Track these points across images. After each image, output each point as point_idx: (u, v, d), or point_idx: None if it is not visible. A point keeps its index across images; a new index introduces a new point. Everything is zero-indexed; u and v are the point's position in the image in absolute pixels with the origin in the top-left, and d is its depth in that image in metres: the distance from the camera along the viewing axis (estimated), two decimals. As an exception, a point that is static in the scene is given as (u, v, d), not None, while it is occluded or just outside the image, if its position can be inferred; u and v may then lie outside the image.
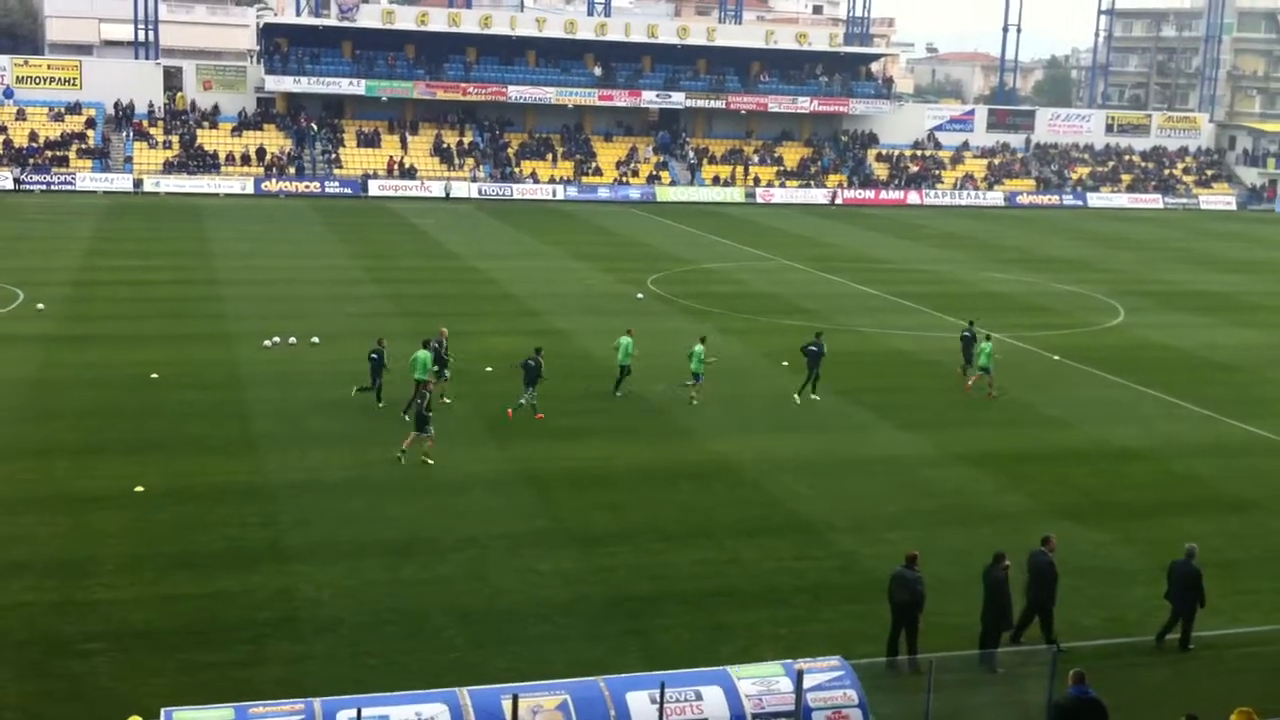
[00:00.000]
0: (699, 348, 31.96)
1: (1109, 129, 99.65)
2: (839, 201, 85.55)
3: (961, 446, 28.98)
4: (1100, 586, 21.31)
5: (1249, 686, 18.02)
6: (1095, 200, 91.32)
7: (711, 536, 22.87)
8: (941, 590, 19.25)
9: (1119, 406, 33.38)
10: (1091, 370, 36.77)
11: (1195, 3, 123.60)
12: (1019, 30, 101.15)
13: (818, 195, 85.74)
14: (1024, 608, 18.84)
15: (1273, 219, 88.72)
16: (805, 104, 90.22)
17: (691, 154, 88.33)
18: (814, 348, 32.38)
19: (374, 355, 30.43)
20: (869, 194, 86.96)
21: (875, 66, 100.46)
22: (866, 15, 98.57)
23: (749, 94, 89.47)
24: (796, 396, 32.35)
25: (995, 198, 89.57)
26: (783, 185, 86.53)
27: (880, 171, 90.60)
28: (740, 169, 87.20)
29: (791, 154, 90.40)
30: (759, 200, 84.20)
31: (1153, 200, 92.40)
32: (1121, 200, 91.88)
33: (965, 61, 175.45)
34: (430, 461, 26.11)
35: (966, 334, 35.61)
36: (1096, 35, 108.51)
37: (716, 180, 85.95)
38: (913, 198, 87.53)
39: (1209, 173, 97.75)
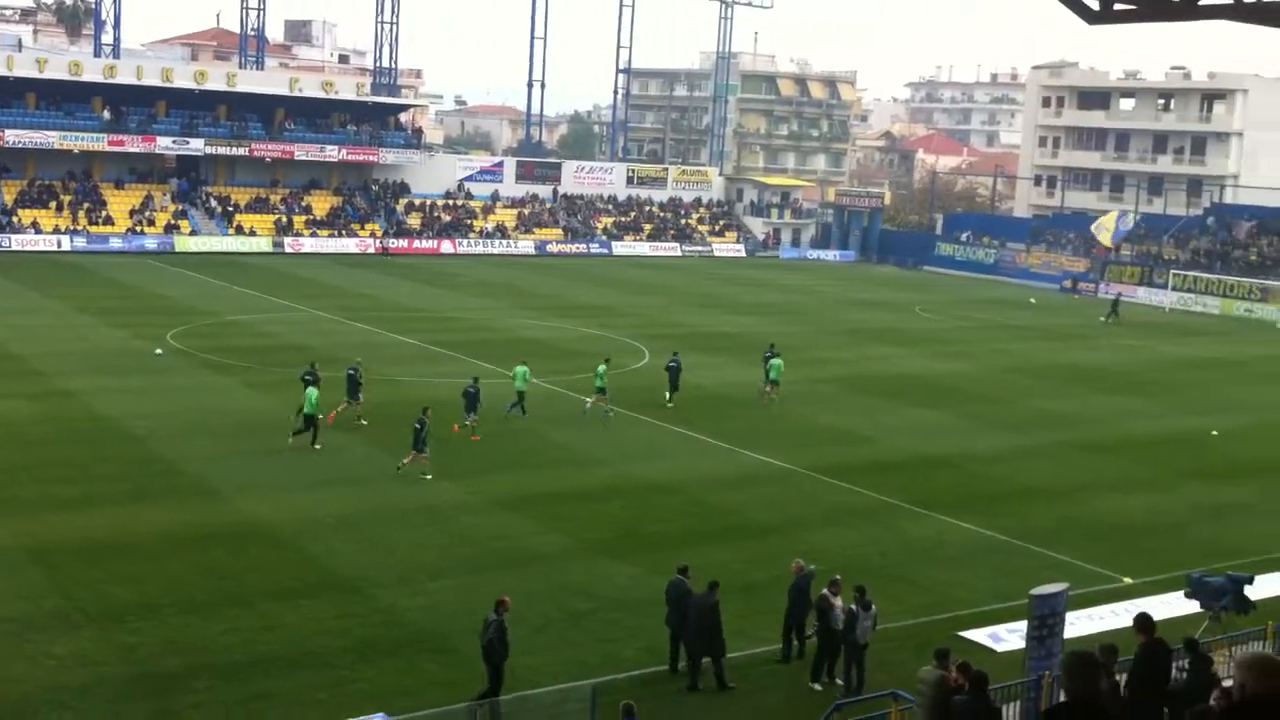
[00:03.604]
0: (602, 368, 37.09)
1: (630, 181, 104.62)
2: (386, 248, 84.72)
3: (500, 491, 29.11)
4: (636, 618, 21.86)
5: (774, 704, 18.95)
6: (619, 248, 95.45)
7: (246, 603, 21.66)
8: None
9: (648, 443, 34.70)
10: (622, 410, 38.02)
11: (704, 65, 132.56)
12: (543, 86, 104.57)
13: (349, 244, 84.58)
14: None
15: (777, 265, 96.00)
16: (334, 153, 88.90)
17: (214, 202, 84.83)
18: (673, 364, 39.42)
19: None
20: (403, 243, 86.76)
21: (405, 117, 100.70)
22: (394, 66, 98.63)
23: (274, 141, 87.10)
24: (669, 402, 38.84)
25: (526, 246, 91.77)
26: (313, 234, 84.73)
27: (413, 221, 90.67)
28: (267, 218, 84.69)
29: (321, 203, 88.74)
30: (288, 250, 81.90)
31: (671, 248, 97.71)
32: (643, 248, 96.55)
33: (494, 114, 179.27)
34: (429, 476, 29.33)
35: (767, 354, 41.21)
36: (616, 93, 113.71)
37: (241, 229, 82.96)
38: (446, 247, 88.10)
39: (721, 223, 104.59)
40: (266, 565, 23.60)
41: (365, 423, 34.30)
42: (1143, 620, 15.44)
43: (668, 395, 39.26)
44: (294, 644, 20.16)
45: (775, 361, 40.60)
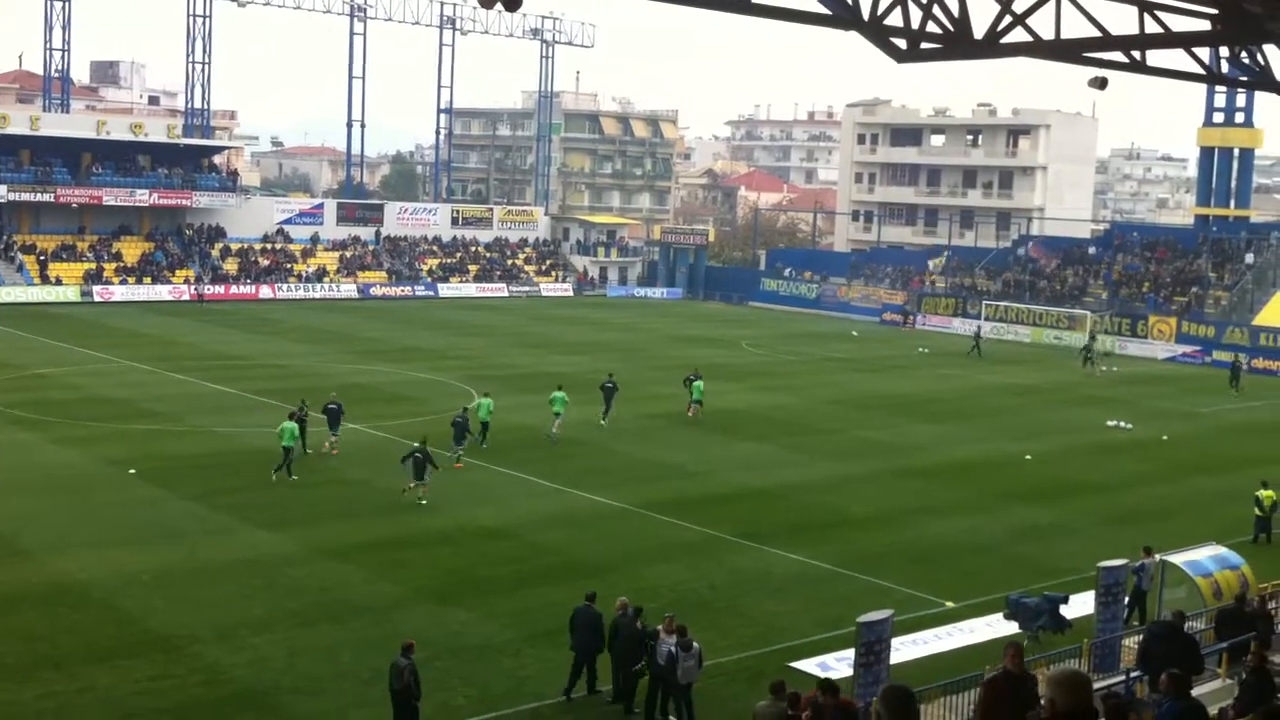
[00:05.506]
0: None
1: (455, 222, 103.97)
2: (202, 295, 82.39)
3: (326, 540, 28.45)
4: (469, 664, 21.61)
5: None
6: (446, 290, 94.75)
7: (59, 666, 20.74)
8: (322, 689, 18.53)
9: (478, 487, 34.32)
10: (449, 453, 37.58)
11: (526, 104, 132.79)
12: (364, 126, 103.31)
13: (163, 291, 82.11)
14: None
15: (605, 303, 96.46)
16: (144, 197, 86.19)
17: (17, 251, 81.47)
18: (609, 384, 43.34)
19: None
20: (219, 289, 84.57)
21: (219, 159, 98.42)
22: (206, 107, 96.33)
23: (81, 186, 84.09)
24: (603, 422, 42.59)
25: (349, 290, 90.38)
26: (124, 282, 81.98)
27: (230, 266, 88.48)
28: (75, 266, 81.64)
29: (132, 249, 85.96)
30: (97, 299, 79.10)
31: (498, 289, 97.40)
32: (470, 290, 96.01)
33: (313, 156, 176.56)
34: (424, 502, 31.24)
35: (690, 377, 45.69)
36: (438, 133, 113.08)
37: (48, 279, 79.81)
38: (265, 292, 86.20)
39: (547, 262, 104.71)
40: (80, 626, 22.62)
41: (337, 453, 36.61)
42: (777, 686, 16.12)
43: (602, 416, 42.85)
44: (110, 706, 19.38)
45: (698, 383, 45.16)
